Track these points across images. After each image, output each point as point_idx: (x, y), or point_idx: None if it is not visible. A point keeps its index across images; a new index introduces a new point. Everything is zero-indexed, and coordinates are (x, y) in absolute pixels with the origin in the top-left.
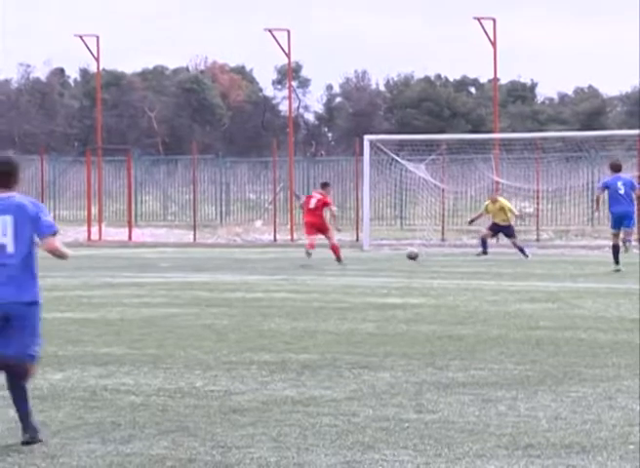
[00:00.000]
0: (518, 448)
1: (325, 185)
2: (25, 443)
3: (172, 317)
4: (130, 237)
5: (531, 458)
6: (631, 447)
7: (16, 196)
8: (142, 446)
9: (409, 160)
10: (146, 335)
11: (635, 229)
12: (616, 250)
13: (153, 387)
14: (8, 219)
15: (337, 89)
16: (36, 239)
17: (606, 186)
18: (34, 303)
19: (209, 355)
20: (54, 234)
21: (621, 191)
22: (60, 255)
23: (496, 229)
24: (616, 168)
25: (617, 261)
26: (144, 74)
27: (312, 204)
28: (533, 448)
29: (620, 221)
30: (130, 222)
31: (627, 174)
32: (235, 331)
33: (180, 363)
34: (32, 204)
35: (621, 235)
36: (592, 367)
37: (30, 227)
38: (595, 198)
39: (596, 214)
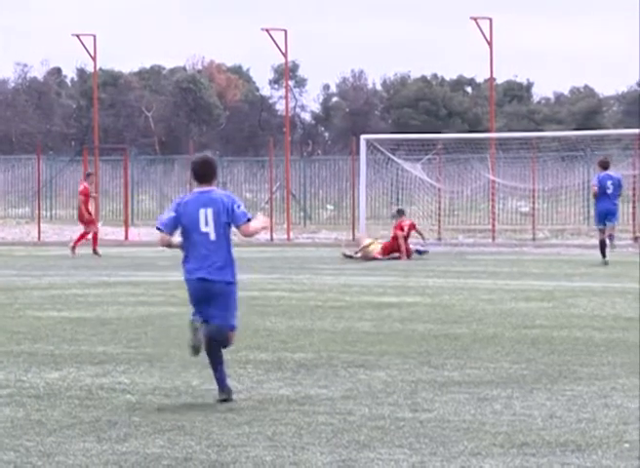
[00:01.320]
0: (513, 447)
1: (400, 212)
2: (222, 400)
3: (168, 316)
4: (126, 236)
5: (526, 457)
6: (626, 445)
7: (214, 190)
8: (138, 444)
9: (405, 159)
10: (143, 334)
11: (629, 226)
12: (602, 245)
13: (149, 386)
14: (209, 212)
15: (333, 88)
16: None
17: (598, 182)
18: (233, 283)
19: (204, 354)
20: (248, 221)
21: (610, 190)
22: (258, 233)
23: None
24: (604, 165)
25: (604, 255)
26: (141, 74)
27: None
28: (528, 447)
29: (604, 217)
30: (126, 221)
31: (615, 171)
32: None
33: (176, 362)
34: (227, 197)
35: (612, 232)
36: (587, 365)
37: (226, 217)
38: (593, 194)
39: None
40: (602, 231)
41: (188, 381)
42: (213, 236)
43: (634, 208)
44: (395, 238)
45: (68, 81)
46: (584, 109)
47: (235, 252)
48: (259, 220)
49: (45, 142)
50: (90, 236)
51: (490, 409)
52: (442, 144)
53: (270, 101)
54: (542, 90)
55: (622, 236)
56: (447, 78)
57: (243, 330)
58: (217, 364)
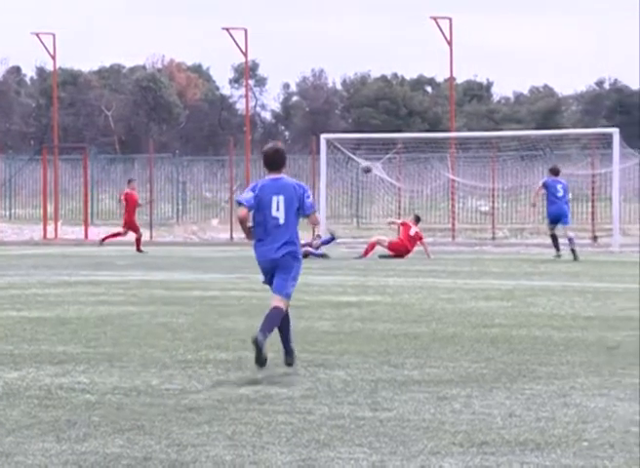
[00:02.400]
0: (473, 446)
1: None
2: (288, 364)
3: (128, 315)
4: (86, 235)
5: (485, 456)
6: (585, 443)
7: (284, 178)
8: (98, 444)
9: (365, 158)
10: (102, 334)
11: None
12: (554, 238)
13: (109, 385)
14: (281, 198)
15: (293, 87)
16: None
17: (546, 186)
18: (296, 257)
19: (165, 353)
20: (314, 212)
21: (560, 194)
22: (317, 224)
23: None
24: (556, 172)
25: (557, 248)
26: (101, 72)
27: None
28: (487, 446)
29: (557, 220)
30: (86, 221)
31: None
32: (191, 329)
33: (135, 361)
34: (298, 185)
35: (569, 233)
36: (546, 364)
37: (296, 204)
38: (536, 191)
39: (532, 207)
40: (552, 229)
41: (148, 381)
42: (282, 220)
43: (593, 207)
44: (405, 241)
45: (28, 80)
46: (544, 109)
47: (195, 251)
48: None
49: (4, 141)
50: (125, 236)
51: (449, 407)
52: (402, 144)
53: (230, 100)
54: (502, 89)
55: (581, 235)
56: (407, 77)
57: (203, 329)
58: (284, 328)
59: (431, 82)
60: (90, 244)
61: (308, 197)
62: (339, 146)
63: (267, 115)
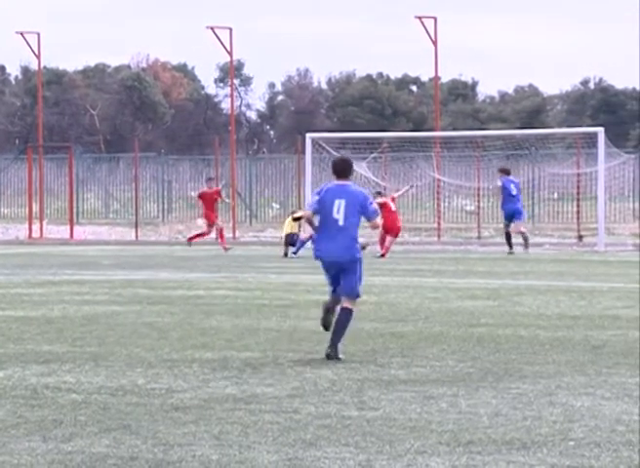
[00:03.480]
0: (459, 445)
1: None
2: (327, 356)
3: (113, 315)
4: (71, 235)
5: (472, 455)
6: (571, 443)
7: (349, 184)
8: (84, 444)
9: (350, 158)
10: (88, 333)
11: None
12: (508, 236)
13: (95, 385)
14: (342, 202)
15: (279, 87)
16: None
17: (503, 186)
18: (358, 260)
19: (150, 353)
20: (377, 217)
21: (514, 192)
22: (378, 228)
23: None
24: (508, 172)
25: (510, 246)
26: (86, 72)
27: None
28: (474, 445)
29: (511, 217)
30: (71, 220)
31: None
32: (177, 328)
33: (121, 361)
34: (361, 193)
35: (522, 229)
36: (532, 363)
37: (358, 210)
38: (500, 195)
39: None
40: (507, 226)
41: (134, 380)
42: (341, 222)
43: (578, 207)
44: (393, 218)
45: (12, 79)
46: (529, 108)
47: (180, 250)
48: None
49: None
50: (214, 235)
51: (436, 407)
52: (387, 143)
53: (215, 100)
54: (487, 88)
55: (567, 234)
56: (392, 77)
57: (189, 329)
58: (339, 321)
59: (416, 81)
60: (75, 243)
61: (371, 204)
62: (324, 145)
63: (253, 114)
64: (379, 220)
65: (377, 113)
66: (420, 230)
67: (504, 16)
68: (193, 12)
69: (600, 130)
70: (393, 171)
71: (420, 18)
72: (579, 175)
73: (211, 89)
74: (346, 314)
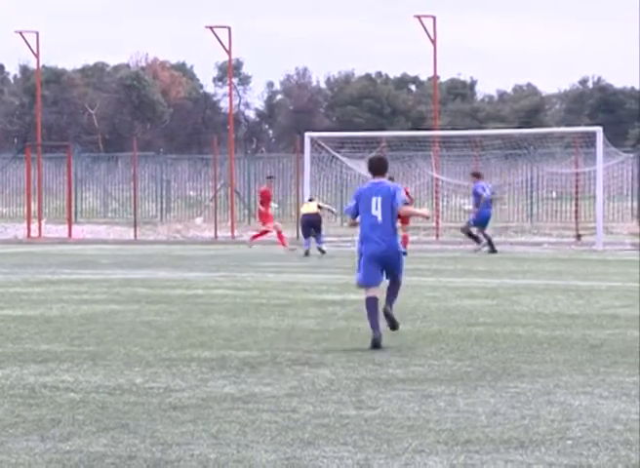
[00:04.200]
0: (457, 444)
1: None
2: (392, 328)
3: (112, 314)
4: (70, 234)
5: (470, 454)
6: (569, 442)
7: (384, 181)
8: (82, 443)
9: (349, 157)
10: (86, 332)
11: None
12: (470, 234)
13: (93, 384)
14: (379, 199)
15: (277, 86)
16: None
17: (482, 190)
18: (400, 252)
19: (149, 352)
20: (406, 204)
21: (485, 196)
22: (416, 216)
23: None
24: (479, 176)
25: (478, 241)
26: (85, 71)
27: None
28: (472, 444)
29: (487, 221)
30: (70, 219)
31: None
32: (175, 327)
33: (119, 360)
34: (393, 187)
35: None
36: (530, 362)
37: (391, 202)
38: (483, 199)
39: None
40: (481, 230)
41: (132, 379)
42: (380, 218)
43: (577, 206)
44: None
45: (11, 78)
46: (527, 107)
47: (178, 250)
48: (421, 209)
49: None
50: (274, 233)
51: (434, 406)
52: (386, 142)
53: (214, 99)
54: (486, 88)
55: (565, 234)
56: (391, 76)
57: (187, 328)
58: (390, 296)
59: (415, 80)
60: (73, 242)
61: (400, 193)
62: (323, 145)
63: (251, 114)
64: (405, 209)
65: (375, 112)
66: (419, 229)
67: (503, 15)
68: (192, 11)
69: (598, 129)
70: (392, 170)
71: (418, 17)
72: (577, 174)
73: (209, 88)
74: (397, 284)
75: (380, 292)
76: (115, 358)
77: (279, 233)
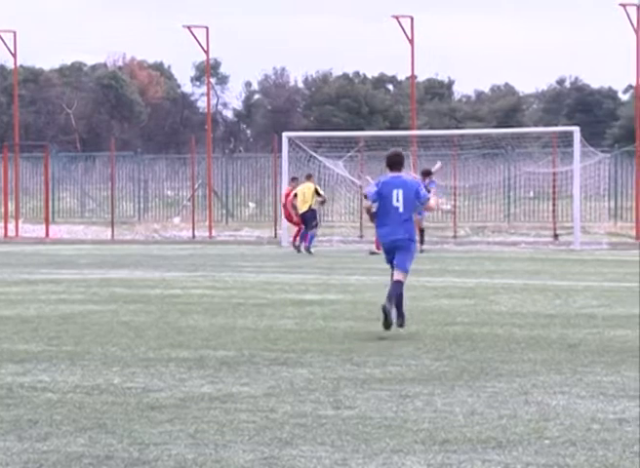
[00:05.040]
0: (435, 444)
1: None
2: (400, 325)
3: (89, 314)
4: (47, 234)
5: (447, 453)
6: (546, 441)
7: (402, 175)
8: (59, 443)
9: (327, 157)
10: (64, 332)
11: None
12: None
13: (70, 384)
14: (400, 192)
15: (255, 86)
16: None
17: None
18: (413, 240)
19: (126, 352)
20: (428, 200)
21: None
22: (434, 209)
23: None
24: (429, 173)
25: (422, 242)
26: (62, 70)
27: None
28: (449, 444)
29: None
30: (47, 219)
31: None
32: (153, 327)
33: (97, 360)
34: (414, 181)
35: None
36: (508, 362)
37: (413, 196)
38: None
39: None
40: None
41: (110, 379)
42: (401, 209)
43: (554, 206)
44: None
45: None
46: (505, 107)
47: (156, 249)
48: (433, 199)
49: None
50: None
51: (411, 406)
52: (364, 142)
53: (192, 99)
54: (463, 88)
55: (543, 233)
56: (369, 76)
57: (165, 328)
58: (393, 291)
59: (393, 80)
60: (51, 242)
61: (422, 189)
62: (300, 144)
63: (229, 113)
64: (432, 202)
65: (353, 112)
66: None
67: (481, 15)
68: (170, 10)
69: (576, 129)
70: (370, 169)
71: (396, 17)
72: (554, 173)
73: (187, 87)
74: (398, 286)
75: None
76: (93, 358)
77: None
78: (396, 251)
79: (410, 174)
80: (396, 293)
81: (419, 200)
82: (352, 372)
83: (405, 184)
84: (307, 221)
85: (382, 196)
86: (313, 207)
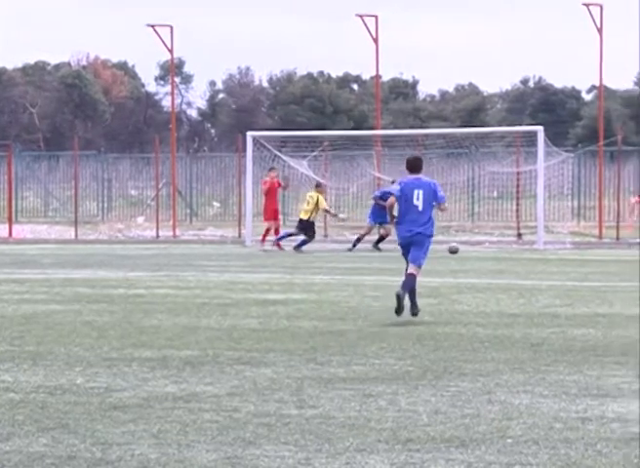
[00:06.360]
0: (398, 443)
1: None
2: (413, 314)
3: (52, 314)
4: (10, 233)
5: (411, 452)
6: (509, 440)
7: (422, 177)
8: (22, 443)
9: (291, 156)
10: (27, 332)
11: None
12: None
13: (33, 384)
14: (420, 192)
15: (220, 85)
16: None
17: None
18: (430, 236)
19: (89, 351)
20: (444, 202)
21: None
22: (447, 210)
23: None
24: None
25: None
26: (25, 70)
27: None
28: (413, 443)
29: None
30: (10, 219)
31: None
32: (116, 327)
33: (60, 360)
34: (433, 183)
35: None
36: (472, 361)
37: (432, 197)
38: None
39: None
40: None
41: (73, 379)
42: (420, 208)
43: (518, 205)
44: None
45: None
46: (469, 107)
47: (120, 249)
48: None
49: None
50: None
51: (375, 405)
52: (328, 141)
53: (156, 98)
54: (428, 87)
55: (507, 233)
56: (333, 75)
57: (128, 327)
58: (407, 285)
59: (357, 80)
60: (14, 242)
61: (440, 191)
62: (265, 144)
63: (193, 113)
64: (447, 204)
65: (318, 111)
66: (361, 228)
67: (445, 15)
68: (134, 10)
69: (539, 128)
70: (334, 169)
71: (361, 16)
72: (518, 173)
73: (151, 87)
74: (412, 279)
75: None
76: (56, 358)
77: (268, 231)
78: (412, 246)
79: (373, 174)
80: (409, 286)
81: (436, 200)
82: (316, 372)
83: (425, 185)
84: (306, 230)
85: (404, 195)
86: (312, 219)
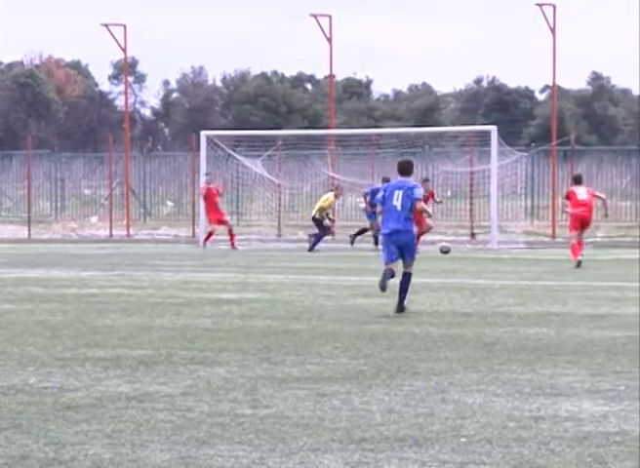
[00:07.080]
0: (352, 442)
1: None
2: (398, 311)
3: (5, 313)
4: None
5: (364, 452)
6: (463, 439)
7: (409, 180)
8: None
9: (245, 156)
10: None
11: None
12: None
13: None
14: (400, 192)
15: (173, 84)
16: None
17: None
18: (412, 231)
19: (43, 351)
20: (420, 200)
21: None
22: (425, 212)
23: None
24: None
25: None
26: None
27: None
28: (366, 442)
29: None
30: None
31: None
32: (69, 327)
33: (13, 359)
34: (414, 185)
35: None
36: (425, 360)
37: (410, 196)
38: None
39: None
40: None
41: (25, 379)
42: (399, 207)
43: (472, 204)
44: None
45: None
46: (423, 106)
47: (73, 248)
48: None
49: None
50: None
51: (329, 404)
52: (282, 141)
53: (110, 97)
54: (381, 87)
55: (460, 232)
56: (287, 75)
57: (82, 327)
58: (403, 283)
59: (311, 79)
60: None
61: (417, 190)
62: (219, 143)
63: (147, 112)
64: (421, 204)
65: (271, 111)
66: (315, 228)
67: (399, 14)
68: (87, 8)
69: (493, 128)
70: (288, 168)
71: (314, 16)
72: (472, 172)
73: (105, 86)
74: (408, 277)
75: (396, 266)
76: (9, 358)
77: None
78: (403, 247)
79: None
80: (405, 285)
81: (410, 198)
82: (270, 371)
83: (405, 186)
84: (318, 226)
85: (386, 197)
86: (317, 217)
